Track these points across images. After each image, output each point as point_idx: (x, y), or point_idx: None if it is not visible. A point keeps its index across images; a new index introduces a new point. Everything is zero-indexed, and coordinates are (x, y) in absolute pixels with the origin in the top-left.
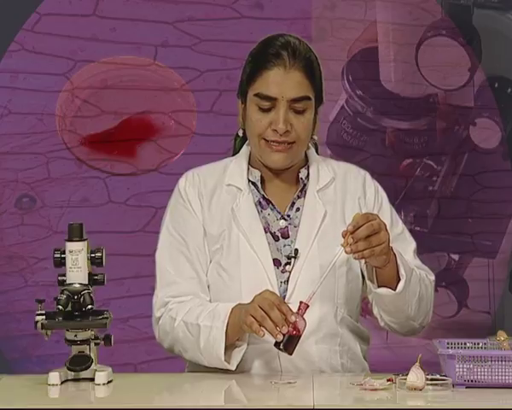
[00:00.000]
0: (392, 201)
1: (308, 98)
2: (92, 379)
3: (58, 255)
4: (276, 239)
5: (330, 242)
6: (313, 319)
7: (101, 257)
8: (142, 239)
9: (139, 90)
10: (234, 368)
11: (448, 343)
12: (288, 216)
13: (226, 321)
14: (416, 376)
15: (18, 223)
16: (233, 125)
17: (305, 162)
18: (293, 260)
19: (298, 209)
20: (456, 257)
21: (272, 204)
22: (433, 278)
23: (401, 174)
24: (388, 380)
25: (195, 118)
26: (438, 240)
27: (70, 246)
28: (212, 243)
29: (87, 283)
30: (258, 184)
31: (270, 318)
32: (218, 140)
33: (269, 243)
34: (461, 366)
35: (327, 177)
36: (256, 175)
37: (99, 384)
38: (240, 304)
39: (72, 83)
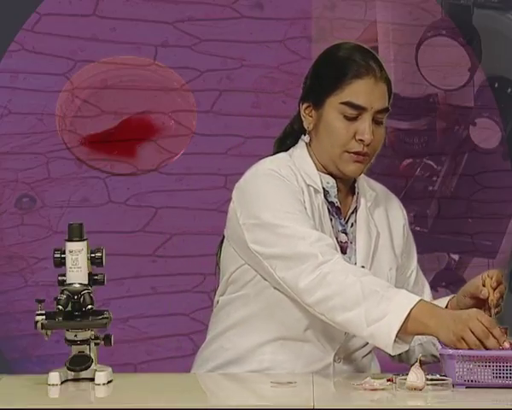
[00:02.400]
0: None
1: (388, 110)
2: (92, 379)
3: (58, 255)
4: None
5: (382, 263)
6: None
7: (101, 257)
8: (142, 239)
9: (139, 90)
10: (393, 354)
11: None
12: (345, 230)
13: (411, 307)
14: (416, 376)
15: (18, 223)
16: (233, 125)
17: None
18: None
19: (352, 225)
20: (456, 257)
21: (339, 213)
22: None
23: (401, 174)
24: (388, 380)
25: (195, 118)
26: (438, 240)
27: (70, 246)
28: None
29: (87, 283)
30: (333, 191)
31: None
32: (218, 140)
33: None
34: (461, 366)
35: (371, 194)
36: (329, 181)
37: (99, 384)
38: (424, 301)
39: (72, 83)
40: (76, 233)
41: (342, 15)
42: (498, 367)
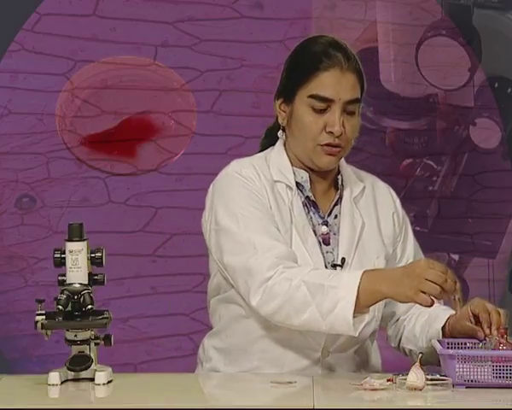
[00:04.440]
0: None
1: (359, 100)
2: (92, 379)
3: (58, 255)
4: (319, 244)
5: (368, 252)
6: None
7: (101, 257)
8: (142, 239)
9: (139, 90)
10: (357, 335)
11: (448, 343)
12: (327, 223)
13: (357, 284)
14: (415, 376)
15: (18, 223)
16: (233, 125)
17: (338, 167)
18: (339, 268)
19: (336, 216)
20: (456, 257)
21: (316, 207)
22: None
23: (401, 174)
24: (388, 380)
25: (195, 118)
26: (438, 240)
27: (70, 246)
28: None
29: (87, 283)
30: (307, 185)
31: (443, 289)
32: (218, 140)
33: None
34: (461, 366)
35: (359, 185)
36: (303, 176)
37: (99, 384)
38: (368, 271)
39: (72, 83)
40: (76, 233)
41: (342, 15)
42: (498, 367)
